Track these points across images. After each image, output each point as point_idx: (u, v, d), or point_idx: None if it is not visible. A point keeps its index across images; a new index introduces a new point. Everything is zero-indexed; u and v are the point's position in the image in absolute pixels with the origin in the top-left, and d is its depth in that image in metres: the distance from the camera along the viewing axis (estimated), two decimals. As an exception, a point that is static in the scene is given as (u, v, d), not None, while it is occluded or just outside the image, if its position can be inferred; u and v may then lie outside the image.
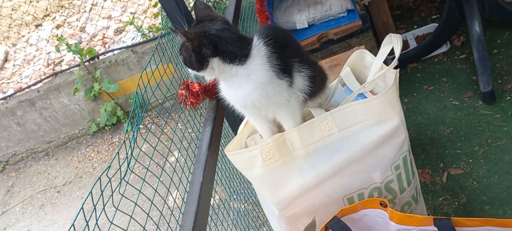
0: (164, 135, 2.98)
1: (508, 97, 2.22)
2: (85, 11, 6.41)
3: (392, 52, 1.01)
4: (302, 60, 0.96)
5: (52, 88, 3.66)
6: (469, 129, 2.19)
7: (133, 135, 1.05)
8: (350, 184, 0.99)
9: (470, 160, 2.06)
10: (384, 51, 1.02)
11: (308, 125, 0.96)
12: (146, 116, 3.79)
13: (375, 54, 1.22)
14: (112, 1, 5.52)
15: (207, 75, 0.95)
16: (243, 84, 0.91)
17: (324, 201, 1.00)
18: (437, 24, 2.76)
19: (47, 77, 3.75)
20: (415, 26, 2.93)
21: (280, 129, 1.02)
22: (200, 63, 0.89)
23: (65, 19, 6.29)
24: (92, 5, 6.45)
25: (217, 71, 0.91)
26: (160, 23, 3.60)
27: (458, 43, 2.66)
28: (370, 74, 1.04)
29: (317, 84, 1.01)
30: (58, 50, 3.53)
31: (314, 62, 1.05)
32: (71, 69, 3.62)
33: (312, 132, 0.96)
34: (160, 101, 3.86)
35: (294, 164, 0.98)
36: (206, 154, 1.10)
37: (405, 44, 2.80)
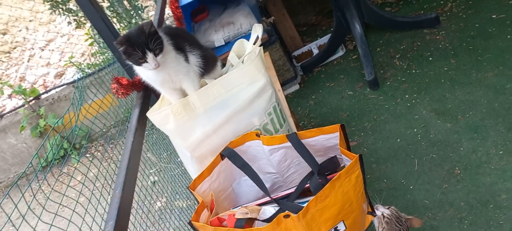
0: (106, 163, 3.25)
1: (388, 83, 2.78)
2: (23, 62, 6.59)
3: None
4: (192, 45, 1.40)
5: (-2, 131, 3.87)
6: (360, 111, 2.72)
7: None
8: (238, 128, 1.41)
9: (362, 134, 2.57)
10: (253, 37, 1.48)
11: (204, 89, 1.38)
12: (92, 145, 4.07)
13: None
14: (49, 51, 5.79)
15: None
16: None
17: (221, 143, 1.41)
18: (333, 34, 3.33)
19: (-7, 121, 3.95)
20: (318, 38, 3.50)
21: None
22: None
23: (3, 73, 6.43)
24: (30, 56, 6.65)
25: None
26: (96, 59, 3.93)
27: (351, 46, 3.24)
28: (245, 54, 1.50)
29: (209, 62, 1.45)
30: (2, 93, 3.77)
31: (206, 48, 1.48)
32: (17, 110, 3.86)
33: (207, 94, 1.38)
34: (104, 130, 4.13)
35: (196, 118, 1.39)
36: (135, 128, 1.49)
37: (310, 53, 3.34)
